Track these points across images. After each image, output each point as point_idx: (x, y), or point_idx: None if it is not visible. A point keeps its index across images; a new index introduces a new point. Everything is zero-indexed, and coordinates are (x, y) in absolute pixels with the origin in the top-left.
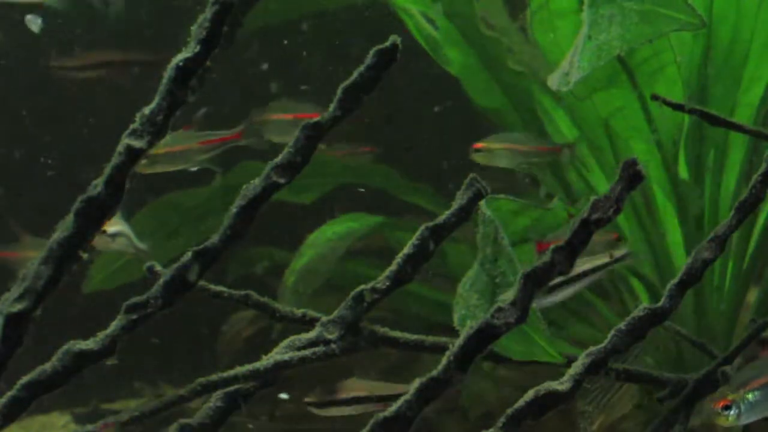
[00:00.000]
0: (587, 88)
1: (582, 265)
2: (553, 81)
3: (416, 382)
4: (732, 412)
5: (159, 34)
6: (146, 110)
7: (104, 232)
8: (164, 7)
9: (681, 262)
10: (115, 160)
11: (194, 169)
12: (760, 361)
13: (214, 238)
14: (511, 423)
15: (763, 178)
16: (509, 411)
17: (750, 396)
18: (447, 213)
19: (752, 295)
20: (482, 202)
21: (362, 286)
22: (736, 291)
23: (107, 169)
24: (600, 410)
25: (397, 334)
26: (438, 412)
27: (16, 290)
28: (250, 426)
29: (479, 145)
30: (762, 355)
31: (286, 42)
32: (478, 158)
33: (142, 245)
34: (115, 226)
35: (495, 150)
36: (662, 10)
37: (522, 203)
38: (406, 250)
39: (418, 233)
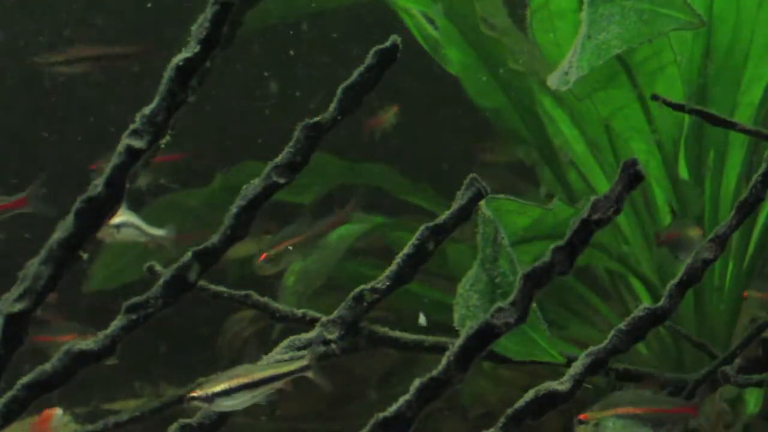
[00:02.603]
0: (587, 88)
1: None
2: (553, 80)
3: (416, 382)
4: (586, 426)
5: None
6: (146, 110)
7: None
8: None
9: None
10: (115, 160)
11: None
12: (633, 392)
13: (214, 238)
14: (511, 423)
15: (763, 178)
16: (509, 411)
17: (609, 423)
18: (447, 213)
19: None
20: (482, 202)
21: (362, 286)
22: (736, 291)
23: (107, 169)
24: None
25: (397, 334)
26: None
27: (16, 290)
28: (251, 425)
29: None
30: None
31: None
32: None
33: (159, 231)
34: (119, 216)
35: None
36: (661, 10)
37: (522, 203)
38: (406, 250)
39: (418, 233)
